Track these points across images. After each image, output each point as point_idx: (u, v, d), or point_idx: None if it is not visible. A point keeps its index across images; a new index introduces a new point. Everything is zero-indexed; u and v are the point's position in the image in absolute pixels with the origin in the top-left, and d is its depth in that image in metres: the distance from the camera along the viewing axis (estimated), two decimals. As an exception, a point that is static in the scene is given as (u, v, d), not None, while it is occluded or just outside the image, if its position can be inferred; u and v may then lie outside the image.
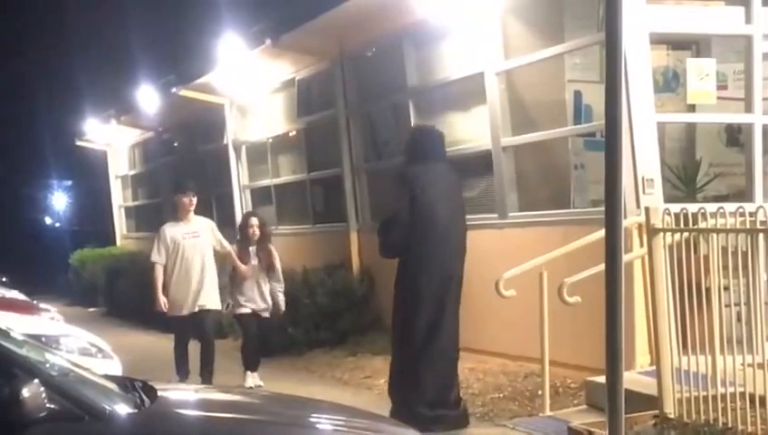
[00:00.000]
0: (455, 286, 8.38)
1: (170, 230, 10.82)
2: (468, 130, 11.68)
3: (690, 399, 7.19)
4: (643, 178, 8.76)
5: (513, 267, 9.05)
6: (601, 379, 8.49)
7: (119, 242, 25.88)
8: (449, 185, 8.55)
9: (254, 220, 11.40)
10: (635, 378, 8.24)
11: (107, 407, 4.04)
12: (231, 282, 11.15)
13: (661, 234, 7.34)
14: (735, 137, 10.35)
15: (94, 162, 28.50)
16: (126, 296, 20.17)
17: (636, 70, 8.86)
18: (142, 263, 20.22)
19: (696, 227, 7.12)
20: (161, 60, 20.71)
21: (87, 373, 4.39)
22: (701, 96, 9.51)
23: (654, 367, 8.58)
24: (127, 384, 4.40)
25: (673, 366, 7.31)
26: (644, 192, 8.76)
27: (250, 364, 10.94)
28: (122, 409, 4.08)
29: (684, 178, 9.93)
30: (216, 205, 19.50)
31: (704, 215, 7.06)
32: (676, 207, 7.45)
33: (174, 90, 17.85)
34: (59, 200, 54.93)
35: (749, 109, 9.39)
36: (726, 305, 7.15)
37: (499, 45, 10.74)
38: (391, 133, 13.47)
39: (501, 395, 9.31)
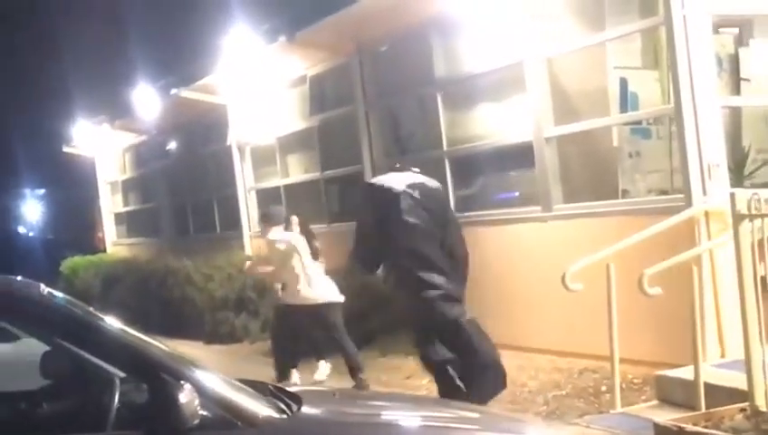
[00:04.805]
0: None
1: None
2: (503, 122, 11.34)
3: (785, 391, 6.92)
4: (708, 165, 8.46)
5: (558, 262, 8.72)
6: (674, 373, 8.25)
7: (109, 249, 25.30)
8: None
9: (295, 218, 11.05)
10: (710, 371, 7.94)
11: (259, 412, 3.67)
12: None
13: (747, 220, 7.05)
14: (783, 123, 10.11)
15: (79, 169, 27.86)
16: (123, 302, 19.70)
17: (698, 53, 8.56)
18: (138, 268, 19.91)
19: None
20: (158, 61, 20.23)
21: (223, 377, 4.00)
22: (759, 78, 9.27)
23: (725, 359, 8.36)
24: (264, 388, 4.02)
25: (764, 359, 7.02)
26: (710, 178, 8.46)
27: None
28: (273, 414, 3.71)
29: (732, 165, 9.67)
30: (218, 207, 19.11)
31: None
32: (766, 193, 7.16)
33: (174, 91, 17.37)
34: (32, 209, 54.25)
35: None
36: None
37: (539, 32, 10.40)
38: (416, 126, 13.11)
39: (562, 393, 8.97)
